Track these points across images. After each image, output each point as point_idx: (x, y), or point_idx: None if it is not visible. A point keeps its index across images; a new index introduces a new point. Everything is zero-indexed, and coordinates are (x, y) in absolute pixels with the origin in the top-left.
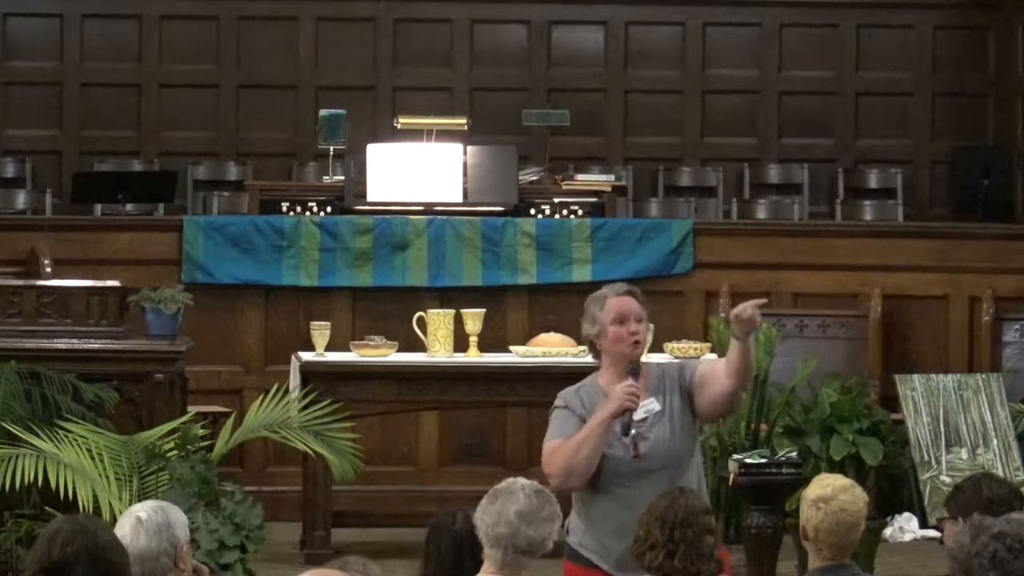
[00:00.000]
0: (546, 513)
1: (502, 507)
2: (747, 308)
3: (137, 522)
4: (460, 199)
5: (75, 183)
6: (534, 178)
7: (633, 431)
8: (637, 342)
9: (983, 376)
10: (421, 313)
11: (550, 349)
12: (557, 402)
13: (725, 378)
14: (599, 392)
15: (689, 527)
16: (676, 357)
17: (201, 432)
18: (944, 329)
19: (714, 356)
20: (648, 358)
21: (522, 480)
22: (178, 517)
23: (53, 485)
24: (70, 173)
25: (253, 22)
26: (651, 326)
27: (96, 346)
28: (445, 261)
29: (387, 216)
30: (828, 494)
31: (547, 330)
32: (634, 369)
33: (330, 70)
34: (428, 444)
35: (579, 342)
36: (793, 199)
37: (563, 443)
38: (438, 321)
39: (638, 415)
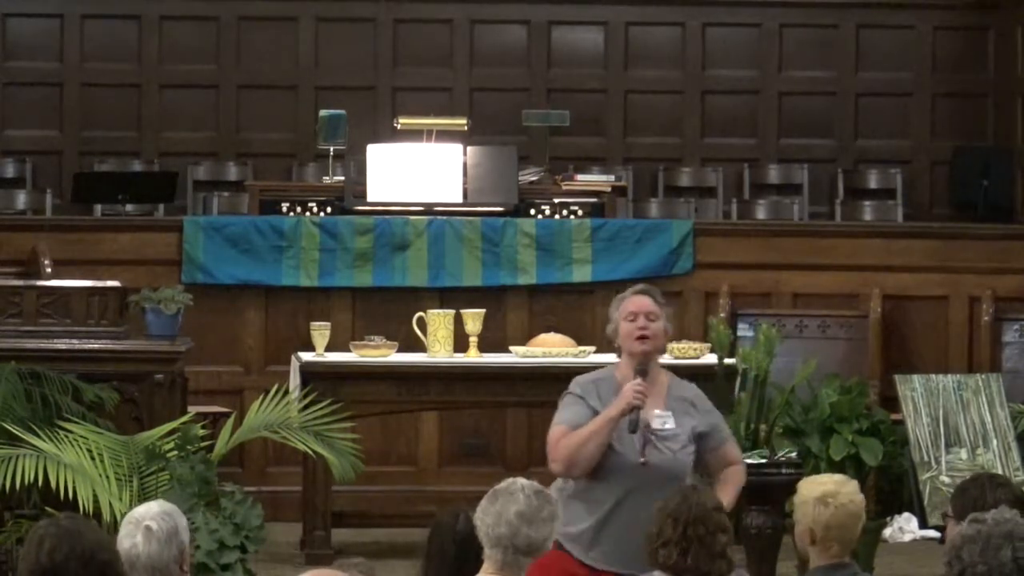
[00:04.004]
0: (546, 513)
1: (502, 508)
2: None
3: (148, 531)
4: (460, 199)
5: (75, 183)
6: (534, 178)
7: (639, 432)
8: (644, 336)
9: (983, 376)
10: (421, 313)
11: (550, 349)
12: (571, 387)
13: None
14: (614, 384)
15: (702, 524)
16: (676, 357)
17: (201, 432)
18: (944, 329)
19: (714, 357)
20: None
21: (522, 480)
22: (181, 521)
23: (53, 485)
24: (70, 173)
25: (253, 22)
26: (669, 326)
27: (96, 346)
28: (445, 261)
29: (387, 216)
30: (832, 490)
31: (547, 330)
32: (642, 370)
33: (330, 70)
34: (428, 444)
35: (579, 342)
36: (793, 199)
37: (571, 432)
38: (438, 321)
39: (655, 424)
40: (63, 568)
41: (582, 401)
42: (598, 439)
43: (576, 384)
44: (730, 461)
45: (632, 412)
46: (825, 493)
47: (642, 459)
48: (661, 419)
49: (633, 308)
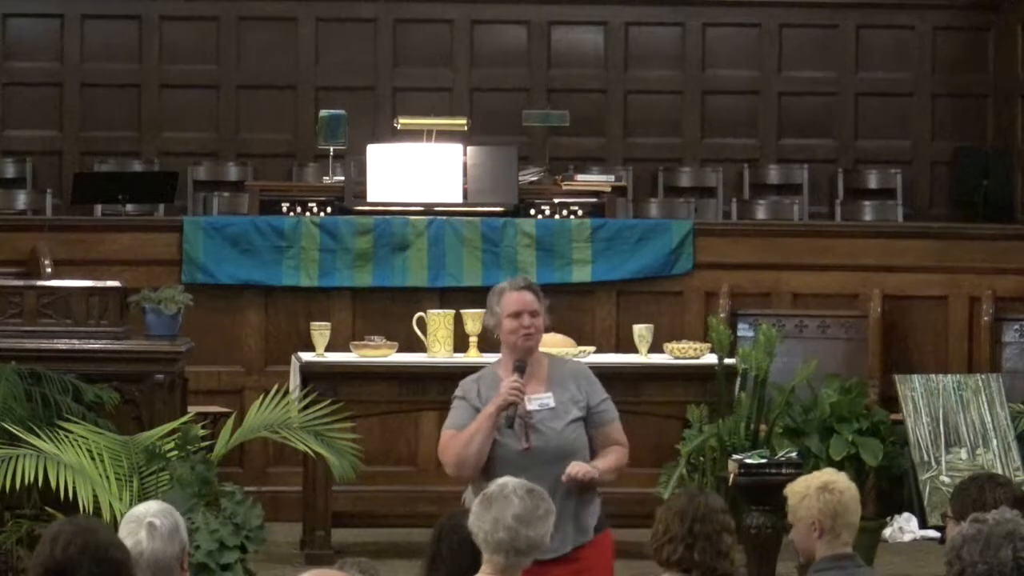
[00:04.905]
0: (542, 511)
1: (499, 513)
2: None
3: (151, 528)
4: (460, 199)
5: (75, 183)
6: (534, 178)
7: (515, 425)
8: (529, 335)
9: (983, 376)
10: (421, 313)
11: (550, 349)
12: (456, 391)
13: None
14: (496, 381)
15: (709, 523)
16: (676, 357)
17: (201, 432)
18: (944, 329)
19: (714, 357)
20: (651, 358)
21: (512, 482)
22: (180, 519)
23: (53, 485)
24: (70, 173)
25: (253, 22)
26: (547, 317)
27: (96, 346)
28: (445, 261)
29: (387, 216)
30: (831, 479)
31: (547, 330)
32: (520, 366)
33: (330, 70)
34: (428, 444)
35: (579, 342)
36: (793, 199)
37: (457, 434)
38: (438, 321)
39: (531, 406)
40: (76, 564)
41: (464, 402)
42: (480, 437)
43: (460, 386)
44: (614, 442)
45: (509, 408)
46: (826, 483)
47: (525, 446)
48: (538, 400)
49: (517, 307)
